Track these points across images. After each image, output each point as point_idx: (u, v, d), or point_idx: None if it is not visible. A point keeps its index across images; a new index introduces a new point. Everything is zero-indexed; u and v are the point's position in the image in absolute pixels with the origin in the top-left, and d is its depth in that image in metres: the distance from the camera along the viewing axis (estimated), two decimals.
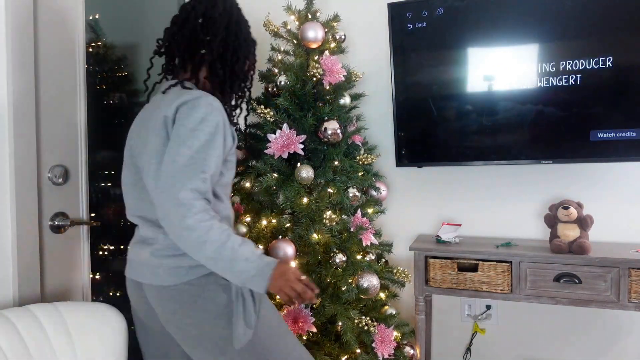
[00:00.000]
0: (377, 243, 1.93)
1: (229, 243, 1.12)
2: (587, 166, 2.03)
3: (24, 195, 1.42)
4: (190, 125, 1.15)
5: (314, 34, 1.87)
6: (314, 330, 1.71)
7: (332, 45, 1.96)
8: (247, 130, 1.80)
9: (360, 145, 2.00)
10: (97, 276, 1.76)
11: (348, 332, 1.71)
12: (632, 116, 1.78)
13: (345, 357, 1.77)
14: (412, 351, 1.89)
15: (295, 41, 1.93)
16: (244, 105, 1.52)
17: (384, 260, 2.12)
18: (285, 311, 1.69)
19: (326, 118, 1.84)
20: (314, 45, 1.90)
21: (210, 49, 1.30)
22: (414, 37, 2.02)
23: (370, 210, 1.97)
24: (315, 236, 1.76)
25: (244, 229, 1.79)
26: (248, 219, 1.83)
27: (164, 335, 1.31)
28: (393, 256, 2.28)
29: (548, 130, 1.88)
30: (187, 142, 1.14)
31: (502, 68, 1.91)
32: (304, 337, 1.70)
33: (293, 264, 1.76)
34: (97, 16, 1.73)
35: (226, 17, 1.32)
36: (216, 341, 1.20)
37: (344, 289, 1.74)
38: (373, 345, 1.78)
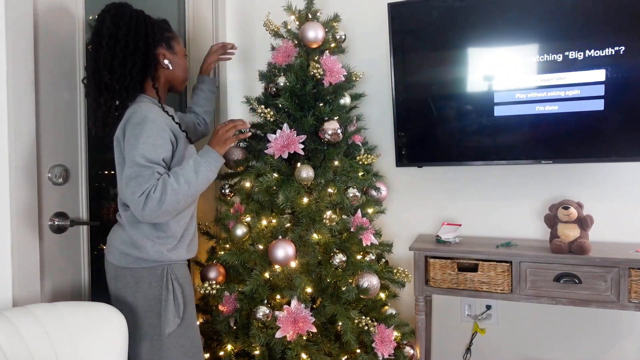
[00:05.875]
0: (377, 243, 1.93)
1: (181, 184, 1.37)
2: (587, 166, 2.03)
3: (23, 195, 1.42)
4: None
5: (314, 34, 1.87)
6: (314, 330, 1.71)
7: (332, 45, 1.96)
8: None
9: (360, 145, 2.00)
10: (97, 276, 1.75)
11: (348, 332, 1.71)
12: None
13: (345, 357, 1.77)
14: (412, 351, 1.89)
15: (295, 41, 1.93)
16: None
17: (384, 260, 2.12)
18: (285, 312, 1.69)
19: (326, 118, 1.84)
20: (314, 45, 1.90)
21: None
22: (414, 37, 2.02)
23: (370, 210, 1.97)
24: (315, 236, 1.76)
25: (244, 229, 1.79)
26: (248, 219, 1.83)
27: None
28: (393, 256, 2.28)
29: (548, 129, 1.88)
30: None
31: (502, 67, 1.91)
32: (304, 337, 1.71)
33: (293, 264, 1.76)
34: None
35: None
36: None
37: (344, 289, 1.74)
38: (373, 345, 1.78)
